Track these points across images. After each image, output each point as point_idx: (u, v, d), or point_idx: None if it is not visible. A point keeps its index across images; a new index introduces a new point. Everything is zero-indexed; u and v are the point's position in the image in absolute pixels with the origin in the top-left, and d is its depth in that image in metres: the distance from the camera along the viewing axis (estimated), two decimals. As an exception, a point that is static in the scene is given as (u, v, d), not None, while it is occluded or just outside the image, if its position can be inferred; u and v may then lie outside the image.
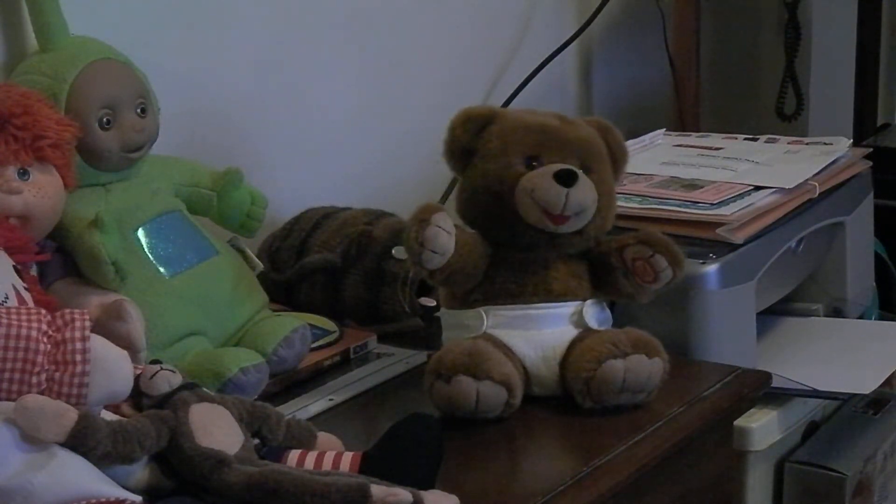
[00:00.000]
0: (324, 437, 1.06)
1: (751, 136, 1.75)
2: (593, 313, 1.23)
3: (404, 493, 0.92)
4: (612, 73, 2.16)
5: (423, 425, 1.03)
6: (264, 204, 1.32)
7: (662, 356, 1.19)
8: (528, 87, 1.88)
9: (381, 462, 1.00)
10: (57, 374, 0.91)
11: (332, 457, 1.01)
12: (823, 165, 1.57)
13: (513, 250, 1.22)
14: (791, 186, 1.50)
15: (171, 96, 1.30)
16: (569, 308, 1.22)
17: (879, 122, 2.21)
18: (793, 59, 2.21)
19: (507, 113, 1.28)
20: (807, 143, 1.69)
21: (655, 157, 1.65)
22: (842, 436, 1.56)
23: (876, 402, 1.62)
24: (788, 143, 1.71)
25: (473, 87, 1.88)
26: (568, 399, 1.20)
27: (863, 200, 1.67)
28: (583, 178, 1.20)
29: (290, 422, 1.05)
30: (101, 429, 0.91)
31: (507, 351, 1.19)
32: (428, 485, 0.98)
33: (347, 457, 1.01)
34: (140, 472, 0.96)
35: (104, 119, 1.21)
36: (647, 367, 1.17)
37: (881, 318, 1.78)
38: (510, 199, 1.20)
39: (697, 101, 2.09)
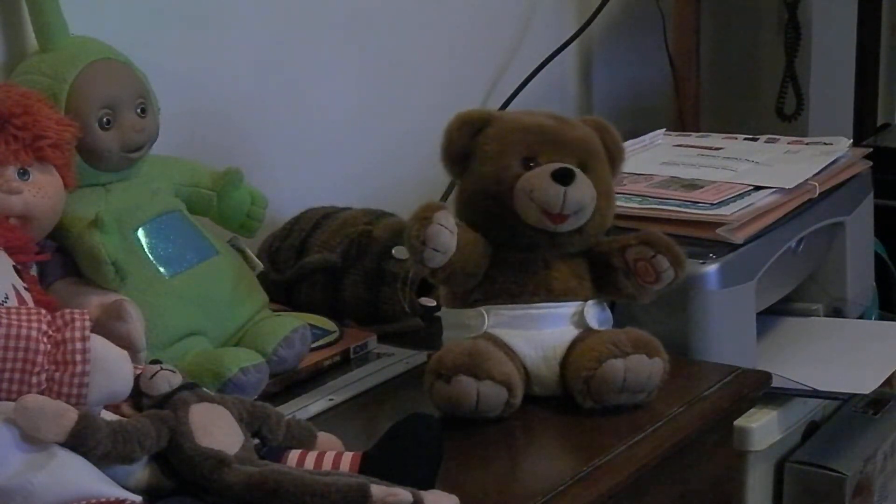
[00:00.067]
0: (324, 437, 1.06)
1: (751, 136, 1.75)
2: (594, 313, 1.23)
3: (404, 493, 0.92)
4: (612, 73, 2.16)
5: (423, 425, 1.03)
6: (264, 204, 1.32)
7: (663, 356, 1.19)
8: (528, 87, 1.88)
9: (381, 462, 1.00)
10: (57, 374, 0.91)
11: (332, 457, 1.01)
12: (823, 165, 1.57)
13: (513, 250, 1.22)
14: (791, 186, 1.50)
15: (171, 96, 1.30)
16: (569, 308, 1.22)
17: (879, 122, 2.21)
18: (793, 59, 2.21)
19: (503, 115, 1.29)
20: (807, 143, 1.69)
21: (655, 157, 1.65)
22: (842, 436, 1.56)
23: (876, 402, 1.62)
24: (788, 143, 1.71)
25: (473, 87, 1.88)
26: (568, 399, 1.20)
27: (863, 200, 1.67)
28: (580, 176, 1.20)
29: (290, 422, 1.05)
30: (101, 429, 0.91)
31: (507, 351, 1.19)
32: (428, 485, 0.98)
33: (347, 457, 1.01)
34: (140, 472, 0.96)
35: (104, 119, 1.21)
36: (648, 367, 1.17)
37: (881, 318, 1.78)
38: (509, 201, 1.20)
39: (697, 101, 2.09)
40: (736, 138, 1.75)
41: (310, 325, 1.30)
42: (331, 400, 1.24)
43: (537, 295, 1.22)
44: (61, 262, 1.18)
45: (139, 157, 1.24)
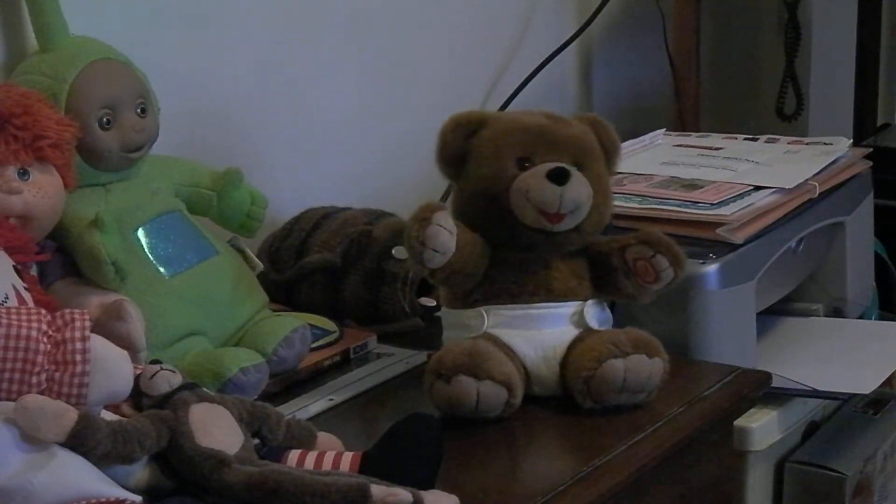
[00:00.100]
0: (324, 437, 1.06)
1: (751, 136, 1.75)
2: (594, 313, 1.23)
3: (404, 493, 0.92)
4: (612, 73, 2.16)
5: (423, 425, 1.03)
6: (264, 204, 1.32)
7: (662, 356, 1.19)
8: (528, 87, 1.88)
9: (381, 462, 1.00)
10: (57, 374, 0.91)
11: (332, 457, 1.01)
12: (823, 165, 1.57)
13: (513, 251, 1.22)
14: (791, 186, 1.50)
15: (171, 96, 1.30)
16: (569, 308, 1.22)
17: (879, 122, 2.21)
18: (793, 59, 2.21)
19: (497, 116, 1.29)
20: (807, 143, 1.69)
21: (655, 157, 1.65)
22: (842, 436, 1.56)
23: (876, 402, 1.62)
24: (788, 143, 1.71)
25: (473, 87, 1.88)
26: (568, 399, 1.20)
27: (863, 200, 1.67)
28: (576, 175, 1.20)
29: (290, 422, 1.05)
30: (101, 429, 0.91)
31: (507, 351, 1.19)
32: (428, 485, 0.98)
33: (347, 457, 1.01)
34: (140, 472, 0.96)
35: (104, 119, 1.21)
36: (648, 367, 1.17)
37: (881, 318, 1.78)
38: (506, 202, 1.20)
39: (697, 101, 2.09)
40: (736, 138, 1.75)
41: (310, 325, 1.30)
42: (331, 400, 1.24)
43: (537, 295, 1.22)
44: (61, 262, 1.18)
45: (139, 157, 1.24)
